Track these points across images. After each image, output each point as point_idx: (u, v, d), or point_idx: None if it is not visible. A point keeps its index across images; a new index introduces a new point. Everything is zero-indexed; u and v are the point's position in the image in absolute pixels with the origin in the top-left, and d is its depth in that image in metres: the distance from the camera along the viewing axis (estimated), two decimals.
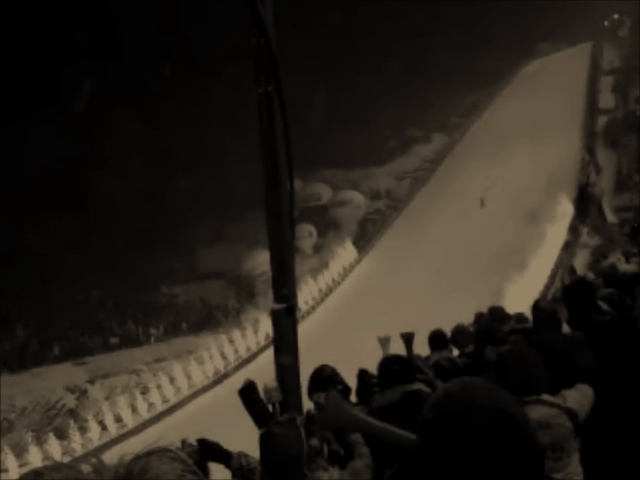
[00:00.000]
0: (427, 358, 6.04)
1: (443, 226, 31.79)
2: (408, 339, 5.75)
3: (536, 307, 5.76)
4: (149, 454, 0.70)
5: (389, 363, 3.63)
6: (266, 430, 2.94)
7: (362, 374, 5.20)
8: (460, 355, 6.16)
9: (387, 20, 43.27)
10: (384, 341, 5.65)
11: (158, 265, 34.59)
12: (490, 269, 25.50)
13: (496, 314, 7.01)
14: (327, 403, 2.07)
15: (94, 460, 0.70)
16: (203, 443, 3.27)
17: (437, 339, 6.25)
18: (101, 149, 35.69)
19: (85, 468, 0.67)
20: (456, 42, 45.06)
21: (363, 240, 35.23)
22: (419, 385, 3.47)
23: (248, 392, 3.91)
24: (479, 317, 7.61)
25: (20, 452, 20.13)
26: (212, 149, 37.39)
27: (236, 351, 26.01)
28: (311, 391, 4.14)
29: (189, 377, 24.26)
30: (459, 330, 6.54)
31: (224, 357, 25.57)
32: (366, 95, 41.92)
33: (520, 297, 21.35)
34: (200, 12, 36.34)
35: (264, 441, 2.87)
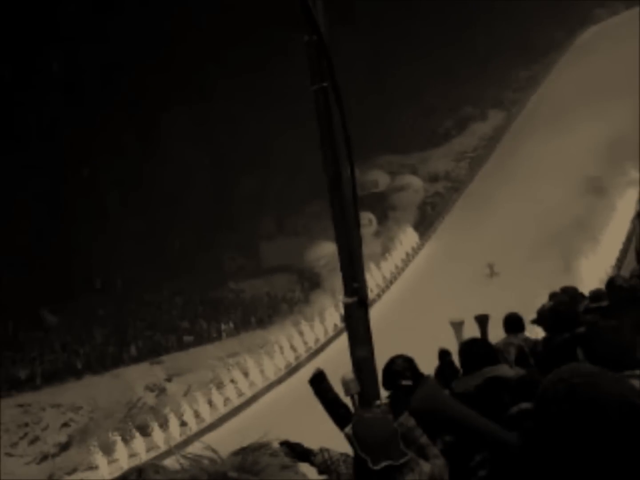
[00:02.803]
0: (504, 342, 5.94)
1: (506, 204, 31.18)
2: (482, 321, 5.69)
3: (612, 284, 5.64)
4: (254, 449, 0.79)
5: (471, 346, 3.56)
6: (358, 418, 3.04)
7: (443, 354, 5.18)
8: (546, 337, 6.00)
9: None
10: (457, 325, 5.61)
11: (222, 261, 35.20)
12: (559, 245, 24.88)
13: (570, 293, 6.85)
14: (423, 386, 2.14)
15: (210, 452, 0.78)
16: (286, 445, 3.34)
17: (512, 322, 6.14)
18: (160, 147, 36.27)
19: (203, 460, 0.75)
20: (509, 15, 43.94)
21: (424, 225, 34.88)
22: (502, 369, 3.41)
23: (318, 381, 4.03)
24: (553, 297, 7.44)
25: (107, 449, 21.01)
26: (269, 142, 37.61)
27: (305, 343, 26.34)
28: (385, 383, 4.19)
29: (262, 371, 24.73)
30: (545, 310, 6.27)
31: (294, 349, 25.94)
32: (417, 75, 41.32)
33: (593, 272, 20.83)
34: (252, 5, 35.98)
35: (359, 427, 2.94)
